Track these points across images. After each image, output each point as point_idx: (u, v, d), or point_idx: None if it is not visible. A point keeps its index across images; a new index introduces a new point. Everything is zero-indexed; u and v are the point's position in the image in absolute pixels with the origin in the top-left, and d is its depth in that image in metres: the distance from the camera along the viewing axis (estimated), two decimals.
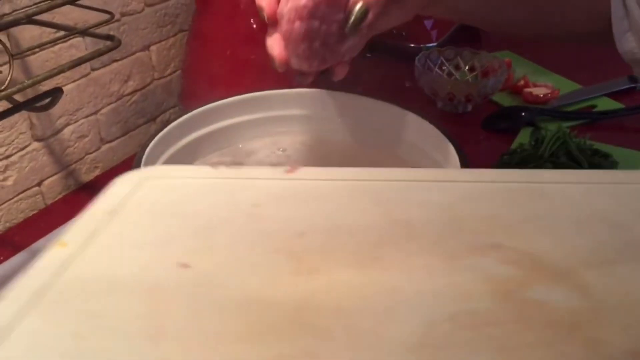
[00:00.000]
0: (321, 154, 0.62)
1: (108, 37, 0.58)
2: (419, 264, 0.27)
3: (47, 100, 0.56)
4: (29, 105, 0.55)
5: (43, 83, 0.69)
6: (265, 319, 0.24)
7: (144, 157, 0.50)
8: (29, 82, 0.50)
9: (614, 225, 0.30)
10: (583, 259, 0.27)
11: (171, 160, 0.56)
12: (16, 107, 0.55)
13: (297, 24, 0.46)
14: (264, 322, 0.24)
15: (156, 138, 0.53)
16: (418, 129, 0.57)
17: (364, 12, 0.46)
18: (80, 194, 0.82)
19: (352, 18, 0.46)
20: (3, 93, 0.47)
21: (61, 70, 0.52)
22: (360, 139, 0.62)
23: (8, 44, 0.67)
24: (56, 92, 0.56)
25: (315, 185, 0.33)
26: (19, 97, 0.62)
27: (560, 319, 0.24)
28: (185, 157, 0.57)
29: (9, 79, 0.50)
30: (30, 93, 0.67)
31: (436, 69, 1.02)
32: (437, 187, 0.33)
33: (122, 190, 0.34)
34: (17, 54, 0.65)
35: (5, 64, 0.52)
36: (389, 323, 0.24)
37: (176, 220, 0.32)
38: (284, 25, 0.47)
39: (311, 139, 0.63)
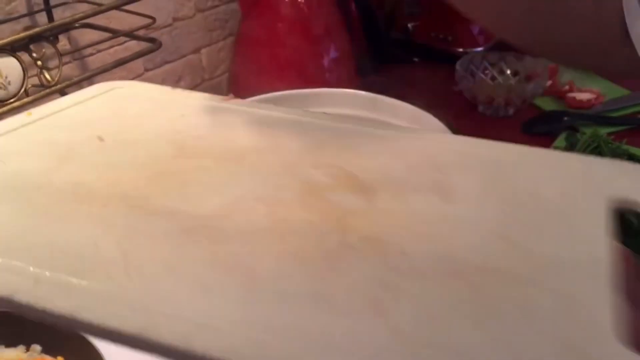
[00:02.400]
0: None
1: (150, 40, 0.64)
2: (267, 166, 0.37)
3: None
4: None
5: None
6: None
7: None
8: (77, 79, 0.56)
9: (436, 170, 0.36)
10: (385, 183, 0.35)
11: None
12: None
13: None
14: None
15: None
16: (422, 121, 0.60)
17: None
18: None
19: None
20: (53, 88, 0.54)
21: (105, 69, 0.58)
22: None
23: (68, 46, 0.75)
24: None
25: None
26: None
27: (340, 212, 0.32)
28: None
29: (58, 75, 0.56)
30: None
31: (479, 73, 1.03)
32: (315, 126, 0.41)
33: (88, 94, 0.45)
34: (71, 52, 0.72)
35: (68, 63, 0.59)
36: (221, 195, 0.33)
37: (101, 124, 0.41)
38: None
39: None
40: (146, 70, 0.87)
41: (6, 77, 0.51)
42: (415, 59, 1.18)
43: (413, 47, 1.18)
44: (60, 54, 0.57)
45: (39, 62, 0.54)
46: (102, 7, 0.57)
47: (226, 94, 1.00)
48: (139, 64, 0.85)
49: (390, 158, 0.38)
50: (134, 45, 0.84)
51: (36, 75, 0.55)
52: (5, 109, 0.52)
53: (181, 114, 0.41)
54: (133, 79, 0.85)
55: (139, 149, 0.37)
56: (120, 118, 0.41)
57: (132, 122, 0.41)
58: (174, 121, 0.40)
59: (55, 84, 0.55)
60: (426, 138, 0.40)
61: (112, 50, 0.81)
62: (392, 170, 0.36)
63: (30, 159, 0.36)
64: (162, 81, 0.89)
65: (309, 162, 0.36)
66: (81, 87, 0.71)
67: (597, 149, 0.79)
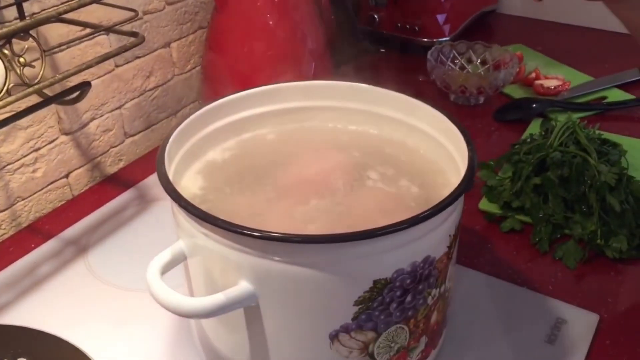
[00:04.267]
0: (328, 139, 0.63)
1: (132, 34, 0.61)
2: None
3: (76, 93, 0.59)
4: (59, 98, 0.59)
5: (70, 79, 0.73)
6: None
7: (167, 148, 0.53)
8: (60, 76, 0.53)
9: None
10: None
11: (191, 150, 0.58)
12: (46, 101, 0.58)
13: None
14: None
15: (175, 132, 0.55)
16: (429, 118, 0.60)
17: None
18: (106, 185, 0.85)
19: None
20: (36, 87, 0.51)
21: (89, 66, 0.55)
22: (368, 126, 0.64)
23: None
24: (85, 86, 0.59)
25: None
26: (48, 93, 0.66)
27: None
28: (203, 146, 0.60)
29: (41, 73, 0.53)
30: (58, 88, 0.70)
31: (449, 63, 1.04)
32: None
33: None
34: (46, 51, 0.69)
35: (37, 59, 0.56)
36: None
37: None
38: None
39: (318, 126, 0.64)
40: (117, 65, 0.83)
41: None
42: (382, 50, 1.19)
43: (379, 38, 1.18)
44: (44, 50, 0.54)
45: (22, 59, 0.51)
46: (85, 1, 0.54)
47: (198, 90, 0.97)
48: (110, 60, 0.82)
49: None
50: (104, 40, 0.81)
51: (15, 73, 0.52)
52: None
53: None
54: (104, 75, 0.82)
55: None
56: None
57: None
58: None
59: (38, 82, 0.52)
60: None
61: (82, 45, 0.77)
62: None
63: None
64: (133, 77, 0.86)
65: None
66: (54, 89, 0.68)
67: (572, 135, 0.81)
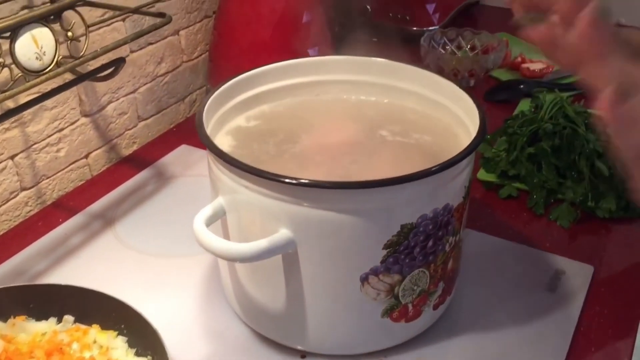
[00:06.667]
0: (343, 109, 0.68)
1: (160, 15, 0.65)
2: None
3: (111, 69, 0.64)
4: (95, 74, 0.63)
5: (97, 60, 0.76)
6: None
7: (204, 114, 0.57)
8: (101, 50, 0.57)
9: None
10: None
11: (219, 120, 0.63)
12: (82, 77, 0.62)
13: None
14: None
15: (208, 101, 0.60)
16: (438, 87, 0.65)
17: None
18: (122, 166, 0.89)
19: None
20: (82, 59, 0.55)
21: (125, 41, 0.60)
22: (380, 97, 0.69)
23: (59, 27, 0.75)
24: (120, 62, 0.64)
25: None
26: (69, 76, 0.69)
27: None
28: (229, 116, 0.64)
29: (85, 47, 0.57)
30: (80, 70, 0.74)
31: (439, 49, 1.10)
32: None
33: None
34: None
35: (82, 35, 0.59)
36: None
37: None
38: None
39: (332, 98, 0.69)
40: (132, 51, 0.87)
41: (41, 48, 0.52)
42: (374, 39, 1.24)
43: (372, 28, 1.23)
44: (87, 26, 0.58)
45: (70, 34, 0.55)
46: None
47: (205, 76, 1.01)
48: (125, 46, 0.86)
49: None
50: (120, 26, 0.85)
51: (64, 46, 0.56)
52: (40, 79, 0.53)
53: None
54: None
55: None
56: None
57: None
58: None
59: (83, 55, 0.56)
60: None
61: (100, 30, 0.81)
62: None
63: None
64: (146, 62, 0.90)
65: None
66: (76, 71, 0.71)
67: (561, 110, 0.87)
